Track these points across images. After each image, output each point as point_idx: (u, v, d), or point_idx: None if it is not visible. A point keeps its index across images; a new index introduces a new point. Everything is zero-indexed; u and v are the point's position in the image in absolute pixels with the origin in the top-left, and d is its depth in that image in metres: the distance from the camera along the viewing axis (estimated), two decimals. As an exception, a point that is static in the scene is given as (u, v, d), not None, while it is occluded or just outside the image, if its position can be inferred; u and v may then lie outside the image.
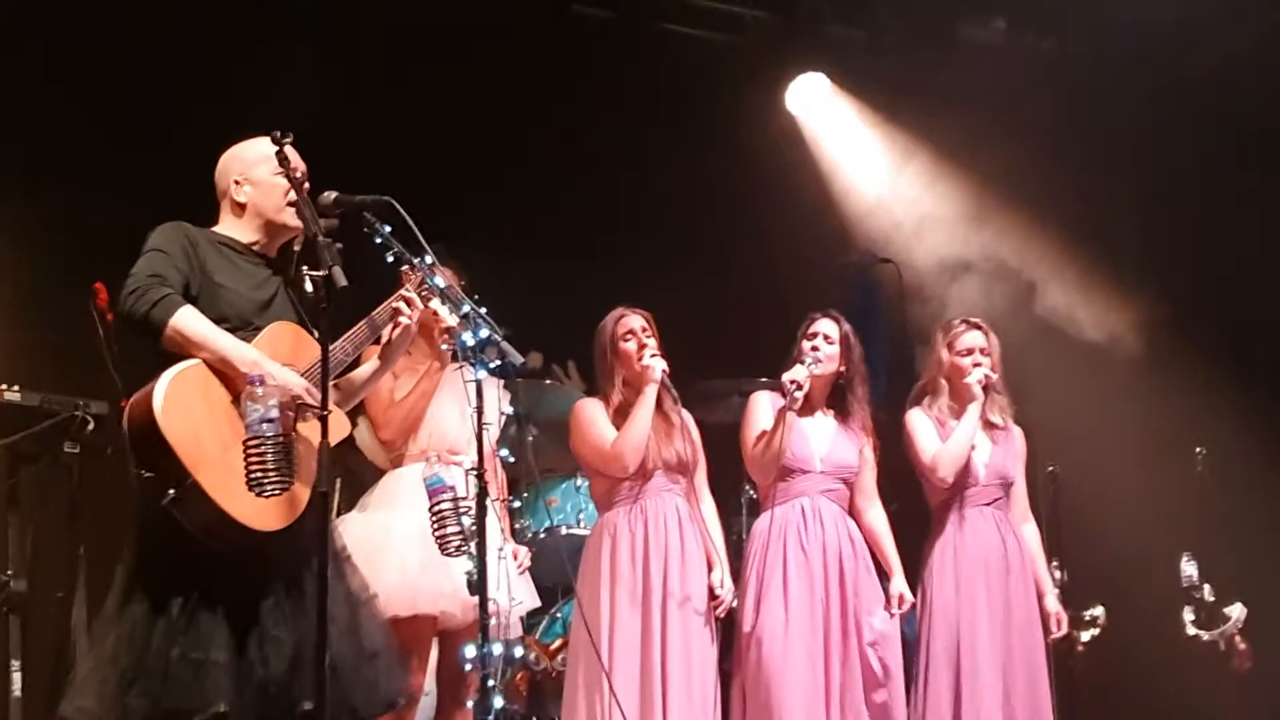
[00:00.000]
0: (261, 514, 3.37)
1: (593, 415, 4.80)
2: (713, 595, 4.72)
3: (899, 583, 4.91)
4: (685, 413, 4.92)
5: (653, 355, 4.74)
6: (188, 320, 3.44)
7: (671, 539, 4.70)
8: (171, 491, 3.31)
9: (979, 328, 5.15)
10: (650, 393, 4.70)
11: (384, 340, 3.82)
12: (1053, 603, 5.10)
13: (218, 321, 3.52)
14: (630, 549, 4.68)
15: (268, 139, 3.64)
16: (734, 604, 4.81)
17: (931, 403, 5.13)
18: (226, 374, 3.46)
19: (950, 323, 5.23)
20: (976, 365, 5.04)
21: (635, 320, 4.84)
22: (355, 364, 3.83)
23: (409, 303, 3.73)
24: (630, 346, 4.79)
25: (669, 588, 4.64)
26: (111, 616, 3.45)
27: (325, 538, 3.28)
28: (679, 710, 4.54)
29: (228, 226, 3.76)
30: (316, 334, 3.55)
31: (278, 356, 3.54)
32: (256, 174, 3.73)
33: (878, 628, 4.79)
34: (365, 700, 3.57)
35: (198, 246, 3.63)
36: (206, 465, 3.33)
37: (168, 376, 3.38)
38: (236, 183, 3.75)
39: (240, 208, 3.75)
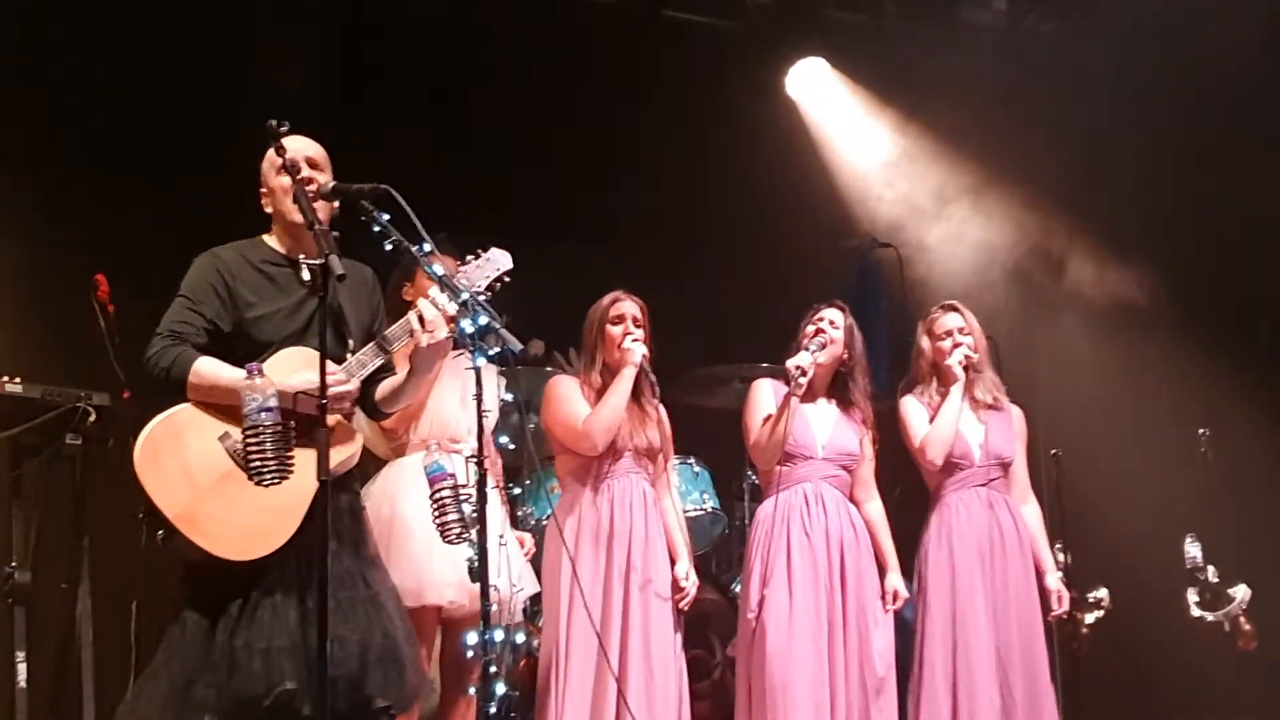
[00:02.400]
0: (241, 545, 3.45)
1: (566, 392, 4.80)
2: (678, 588, 4.72)
3: (894, 578, 4.93)
4: (659, 405, 4.93)
5: (634, 340, 4.75)
6: (199, 373, 3.56)
7: (636, 520, 4.70)
8: (160, 533, 3.47)
9: (955, 309, 5.17)
10: (627, 375, 4.69)
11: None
12: (1053, 581, 5.09)
13: (259, 348, 3.58)
14: (594, 528, 4.68)
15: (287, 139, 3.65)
16: (735, 593, 4.82)
17: (923, 391, 5.14)
18: (224, 407, 3.52)
19: (929, 310, 5.25)
20: (956, 346, 5.05)
21: (629, 306, 4.83)
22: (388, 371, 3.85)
23: (422, 320, 3.69)
24: (616, 330, 4.79)
25: (631, 568, 4.64)
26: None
27: (325, 525, 3.28)
28: (637, 688, 4.53)
29: (271, 238, 3.82)
30: (351, 343, 3.66)
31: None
32: (270, 181, 3.76)
33: (876, 644, 4.81)
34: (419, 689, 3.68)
35: (234, 277, 3.67)
36: (180, 510, 3.45)
37: (147, 428, 3.52)
38: (263, 195, 3.80)
39: (271, 219, 3.81)
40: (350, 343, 3.69)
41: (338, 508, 3.61)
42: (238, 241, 3.81)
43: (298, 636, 3.45)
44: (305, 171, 3.71)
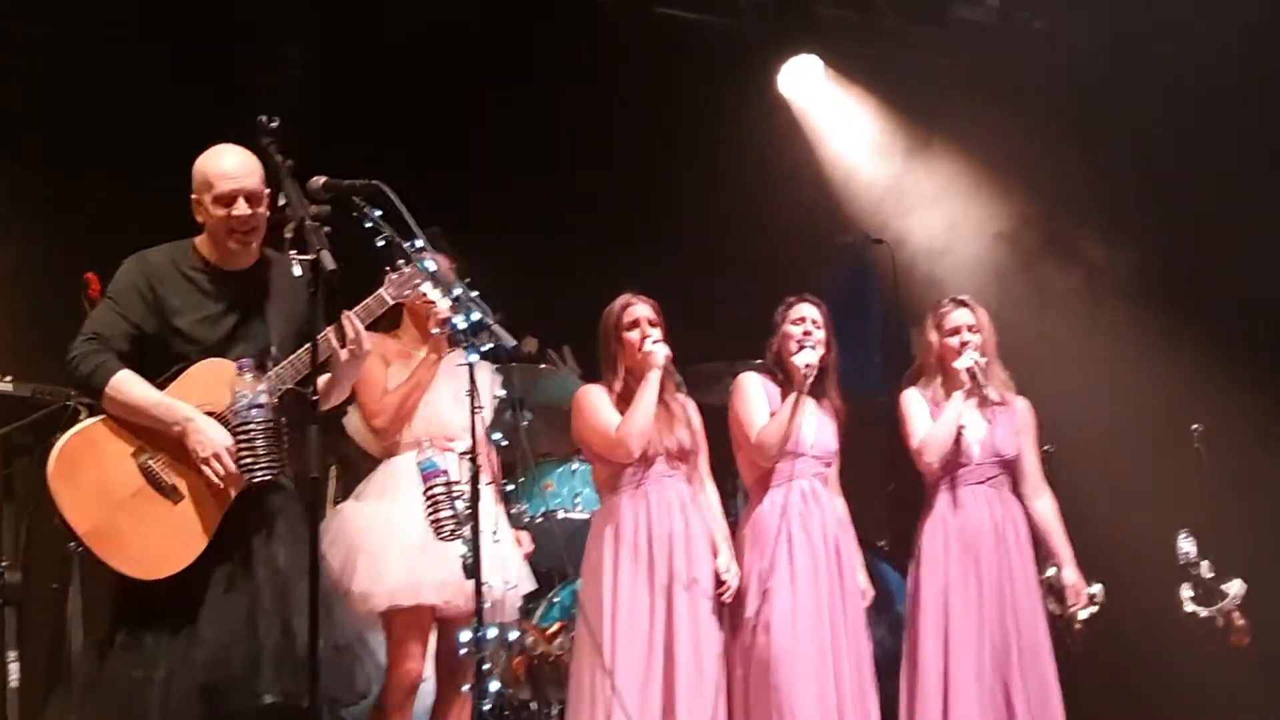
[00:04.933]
0: (156, 562, 3.50)
1: (596, 401, 4.79)
2: (719, 581, 4.72)
3: (860, 578, 4.94)
4: (688, 399, 4.92)
5: (655, 342, 4.74)
6: (118, 388, 3.58)
7: (675, 524, 4.70)
8: (72, 544, 3.57)
9: (966, 305, 5.15)
10: (653, 379, 4.69)
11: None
12: (1070, 574, 5.05)
13: (178, 357, 3.62)
14: (634, 534, 4.68)
15: (224, 153, 3.67)
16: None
17: (926, 384, 5.14)
18: (139, 424, 3.56)
19: (939, 303, 5.23)
20: (964, 344, 5.04)
21: (641, 309, 4.83)
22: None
23: (341, 337, 3.69)
24: (634, 335, 4.78)
25: (674, 572, 4.65)
26: None
27: (316, 524, 3.28)
28: (688, 694, 4.53)
29: (202, 242, 3.82)
30: (274, 350, 3.66)
31: (196, 398, 3.59)
32: (205, 199, 3.75)
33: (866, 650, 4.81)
34: (336, 689, 3.66)
35: (160, 282, 3.69)
36: (90, 527, 3.50)
37: (62, 440, 3.57)
38: (195, 201, 3.78)
39: (202, 226, 3.81)
40: (273, 350, 3.68)
41: (267, 510, 3.68)
42: (169, 244, 3.83)
43: (176, 660, 3.47)
44: (240, 209, 3.68)
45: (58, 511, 3.50)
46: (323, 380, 3.79)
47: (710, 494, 4.95)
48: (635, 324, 4.80)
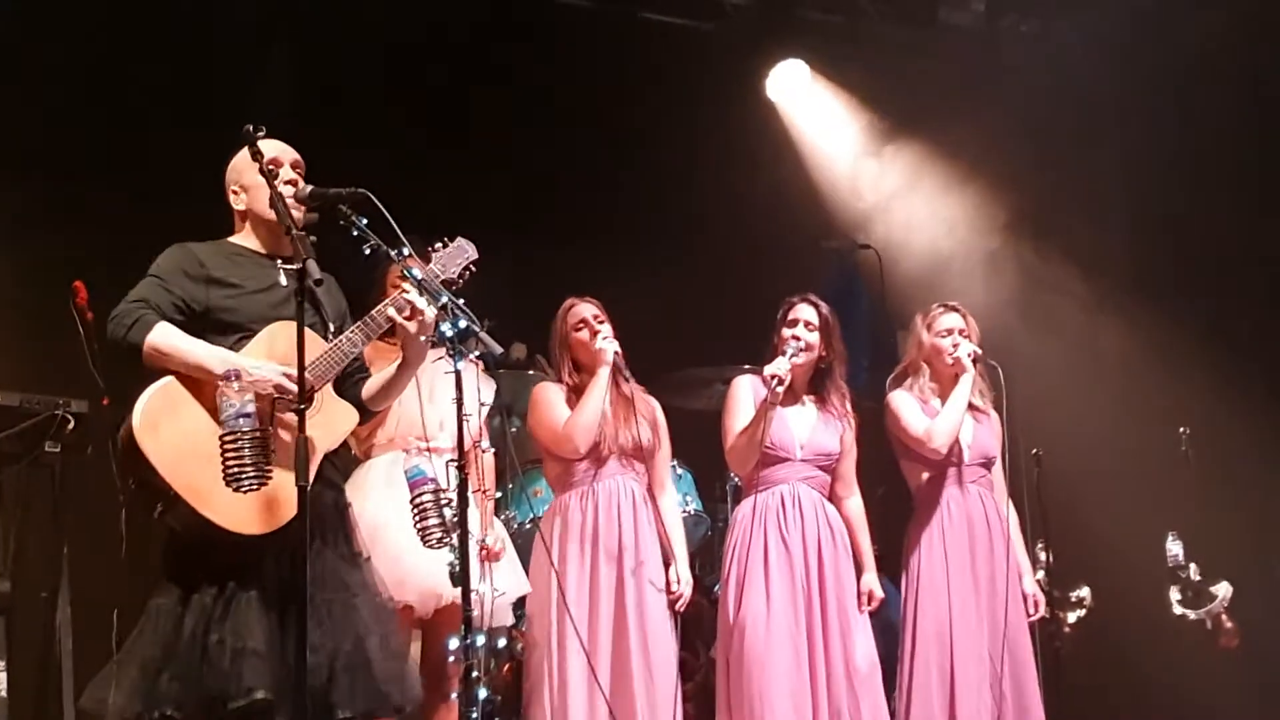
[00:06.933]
0: (248, 518, 3.41)
1: (551, 397, 4.82)
2: (671, 590, 4.72)
3: (870, 579, 4.91)
4: (653, 400, 4.93)
5: (605, 339, 4.75)
6: (159, 336, 3.51)
7: (625, 521, 4.70)
8: (159, 506, 3.42)
9: (957, 311, 5.18)
10: (602, 375, 4.71)
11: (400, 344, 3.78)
12: (1030, 584, 5.11)
13: (231, 329, 3.58)
14: (579, 532, 4.69)
15: (261, 142, 3.64)
16: (718, 595, 4.81)
17: (913, 384, 5.15)
18: (204, 383, 3.49)
19: (929, 307, 5.25)
20: (956, 345, 5.07)
21: (586, 309, 4.86)
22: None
23: (407, 307, 3.67)
24: (582, 335, 4.81)
25: (622, 570, 4.64)
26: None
27: (305, 531, 3.26)
28: (641, 689, 4.52)
29: (240, 236, 3.82)
30: (332, 327, 3.63)
31: (274, 356, 3.54)
32: (247, 178, 3.76)
33: (860, 645, 4.76)
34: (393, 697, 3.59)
35: (203, 263, 3.67)
36: (186, 482, 3.39)
37: (144, 396, 3.46)
38: (234, 193, 3.81)
39: (243, 217, 3.81)
40: (330, 326, 3.67)
41: (323, 504, 3.60)
42: (208, 241, 3.81)
43: (276, 641, 3.41)
44: (288, 174, 3.71)
45: (145, 469, 3.38)
46: (379, 378, 3.79)
47: (669, 500, 4.94)
48: (582, 324, 4.83)
